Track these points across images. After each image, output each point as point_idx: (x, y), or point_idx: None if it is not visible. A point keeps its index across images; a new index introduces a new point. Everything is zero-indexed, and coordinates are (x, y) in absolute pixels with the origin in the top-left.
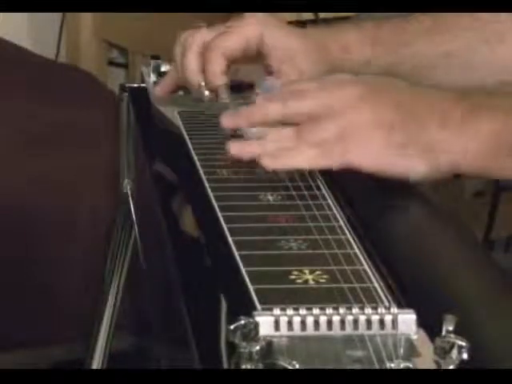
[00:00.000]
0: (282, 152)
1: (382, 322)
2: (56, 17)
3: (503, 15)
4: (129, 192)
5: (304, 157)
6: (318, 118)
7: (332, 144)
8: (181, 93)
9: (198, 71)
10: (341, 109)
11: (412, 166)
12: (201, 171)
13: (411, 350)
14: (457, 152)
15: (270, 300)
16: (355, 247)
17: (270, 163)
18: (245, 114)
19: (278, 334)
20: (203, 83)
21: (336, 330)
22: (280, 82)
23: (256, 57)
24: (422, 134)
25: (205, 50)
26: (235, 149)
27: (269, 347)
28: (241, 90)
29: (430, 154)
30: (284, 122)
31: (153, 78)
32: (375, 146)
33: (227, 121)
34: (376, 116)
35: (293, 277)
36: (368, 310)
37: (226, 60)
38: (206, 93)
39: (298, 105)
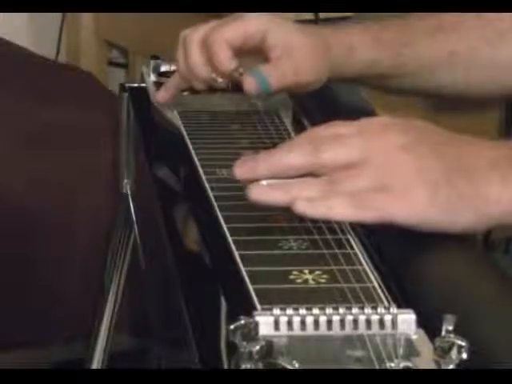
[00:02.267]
0: (316, 200)
1: (381, 322)
2: (56, 17)
3: (507, 14)
4: (129, 192)
5: (341, 208)
6: (353, 167)
7: (370, 196)
8: (182, 93)
9: (205, 64)
10: (380, 159)
11: (459, 221)
12: (201, 171)
13: (411, 350)
14: (507, 207)
15: (269, 300)
16: (355, 247)
17: (305, 208)
18: (265, 162)
19: (277, 333)
20: (213, 73)
21: (336, 330)
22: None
23: (255, 52)
24: (471, 189)
25: (206, 41)
26: (258, 194)
27: (269, 347)
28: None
29: (479, 207)
30: (312, 173)
31: (153, 77)
32: (420, 201)
33: (243, 171)
34: (420, 169)
35: (293, 277)
36: (368, 310)
37: (229, 47)
38: (220, 80)
39: (333, 153)
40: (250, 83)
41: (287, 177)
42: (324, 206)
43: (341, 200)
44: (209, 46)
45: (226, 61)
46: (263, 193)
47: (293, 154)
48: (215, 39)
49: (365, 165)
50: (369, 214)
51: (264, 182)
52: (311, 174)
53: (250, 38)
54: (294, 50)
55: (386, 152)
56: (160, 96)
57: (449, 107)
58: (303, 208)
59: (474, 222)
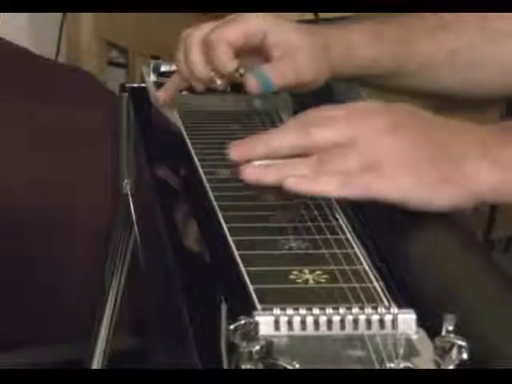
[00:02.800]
0: (306, 178)
1: (381, 322)
2: (56, 17)
3: (507, 14)
4: (129, 192)
5: (328, 184)
6: (341, 147)
7: (357, 175)
8: (182, 93)
9: (206, 64)
10: (367, 139)
11: (441, 199)
12: (201, 171)
13: (411, 350)
14: (488, 184)
15: (270, 300)
16: (355, 247)
17: (294, 184)
18: (259, 143)
19: (277, 333)
20: (213, 74)
21: (336, 330)
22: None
23: (256, 52)
24: (453, 167)
25: (207, 41)
26: (251, 174)
27: (269, 347)
28: (242, 89)
29: (461, 184)
30: (303, 153)
31: (153, 77)
32: (404, 179)
33: (237, 152)
34: (405, 148)
35: (293, 277)
36: (368, 310)
37: (230, 47)
38: (219, 82)
39: (324, 134)
40: (252, 83)
41: (280, 157)
42: (312, 183)
43: (329, 177)
44: (210, 46)
45: (227, 61)
46: (255, 173)
47: (284, 135)
48: (216, 39)
49: (353, 145)
50: (354, 191)
51: (257, 163)
52: (303, 155)
53: (251, 38)
54: (295, 50)
55: (372, 133)
56: (159, 96)
57: (449, 107)
58: (292, 184)
59: (456, 198)
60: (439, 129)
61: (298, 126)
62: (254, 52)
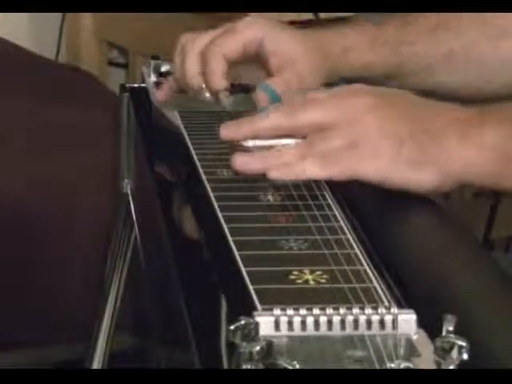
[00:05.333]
0: (289, 164)
1: (382, 322)
2: (56, 17)
3: (507, 13)
4: (129, 192)
5: (312, 167)
6: (326, 128)
7: (340, 155)
8: (182, 93)
9: (199, 74)
10: (350, 119)
11: (421, 178)
12: (201, 171)
13: (411, 350)
14: (465, 164)
15: (270, 300)
16: (355, 247)
17: (277, 175)
18: (247, 124)
19: (278, 334)
20: (204, 85)
21: (336, 330)
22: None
23: (256, 58)
24: (432, 146)
25: (204, 53)
26: (240, 163)
27: (269, 347)
28: (242, 92)
29: (442, 165)
30: (290, 134)
31: (153, 78)
32: (384, 157)
33: (227, 132)
34: (385, 127)
35: (293, 277)
36: (368, 310)
37: (225, 61)
38: (207, 95)
39: (308, 116)
40: (261, 98)
41: (266, 138)
42: (296, 169)
43: (312, 160)
44: (205, 58)
45: (218, 79)
46: (243, 161)
47: (272, 116)
48: (212, 54)
49: (337, 126)
50: (335, 170)
51: (250, 143)
52: (290, 136)
53: (248, 48)
54: (293, 57)
55: (355, 112)
56: (158, 96)
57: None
58: (276, 174)
59: (437, 179)
60: (420, 109)
61: (283, 108)
62: (251, 59)
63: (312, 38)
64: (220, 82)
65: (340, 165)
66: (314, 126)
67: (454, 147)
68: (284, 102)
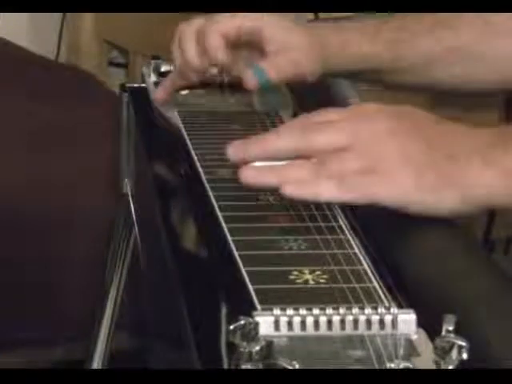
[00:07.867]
0: (304, 182)
1: (381, 322)
2: (56, 17)
3: (505, 13)
4: (129, 192)
5: (328, 189)
6: (341, 151)
7: (358, 179)
8: (182, 92)
9: (200, 54)
10: (367, 143)
11: (442, 205)
12: (201, 171)
13: (411, 350)
14: (489, 189)
15: (270, 300)
16: (355, 247)
17: (292, 191)
18: (258, 144)
19: (277, 334)
20: (207, 63)
21: (336, 330)
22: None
23: (253, 47)
24: (455, 173)
25: (202, 31)
26: (249, 176)
27: (269, 347)
28: (242, 89)
29: (463, 189)
30: (300, 156)
31: (153, 78)
32: (405, 184)
33: (235, 152)
34: (404, 152)
35: (293, 277)
36: (368, 310)
37: (223, 38)
38: (214, 70)
39: (324, 137)
40: (249, 78)
41: (278, 159)
42: (311, 188)
43: (328, 181)
44: (203, 36)
45: (218, 49)
46: (254, 175)
47: (283, 138)
48: (209, 30)
49: (353, 148)
50: (354, 194)
51: (257, 164)
52: (302, 157)
53: (246, 32)
54: (290, 44)
55: (373, 135)
56: (158, 94)
57: (449, 103)
58: (291, 190)
59: (458, 203)
60: (442, 132)
61: (296, 129)
62: (252, 48)
63: (311, 30)
64: (221, 51)
65: (359, 189)
66: (329, 149)
67: (477, 173)
68: (298, 122)
